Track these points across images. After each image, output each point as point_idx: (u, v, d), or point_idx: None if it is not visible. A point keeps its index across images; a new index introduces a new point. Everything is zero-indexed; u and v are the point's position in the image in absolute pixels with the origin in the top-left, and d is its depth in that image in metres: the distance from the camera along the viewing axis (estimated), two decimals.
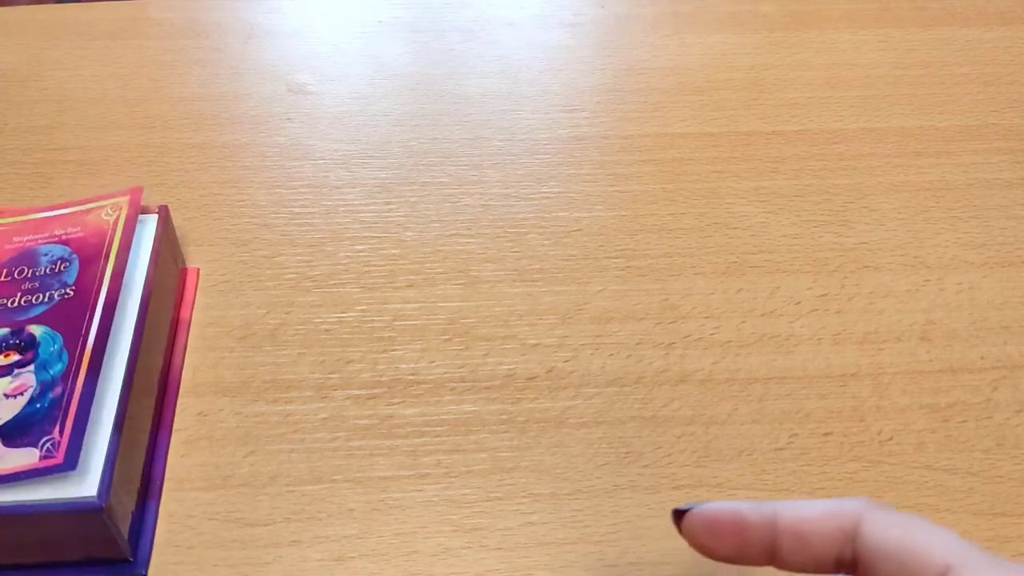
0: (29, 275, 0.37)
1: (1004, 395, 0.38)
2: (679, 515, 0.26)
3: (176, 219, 0.43)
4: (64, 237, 0.39)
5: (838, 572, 0.24)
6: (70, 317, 0.35)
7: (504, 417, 0.37)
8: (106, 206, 0.39)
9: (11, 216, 0.40)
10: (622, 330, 0.40)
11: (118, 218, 0.39)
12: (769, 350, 0.39)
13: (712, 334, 0.40)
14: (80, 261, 0.37)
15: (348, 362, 0.39)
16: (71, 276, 0.37)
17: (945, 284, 0.42)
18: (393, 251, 0.43)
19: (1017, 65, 0.52)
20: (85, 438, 0.31)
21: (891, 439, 0.37)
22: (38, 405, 0.33)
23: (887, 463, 0.36)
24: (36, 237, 0.38)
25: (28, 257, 0.38)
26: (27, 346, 0.34)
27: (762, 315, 0.41)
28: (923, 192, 0.46)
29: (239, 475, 0.35)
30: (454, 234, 0.43)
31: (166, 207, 0.40)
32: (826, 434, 0.37)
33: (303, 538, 0.34)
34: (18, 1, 0.71)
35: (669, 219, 0.44)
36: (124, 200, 0.40)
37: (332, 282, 0.41)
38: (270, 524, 0.34)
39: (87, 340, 0.34)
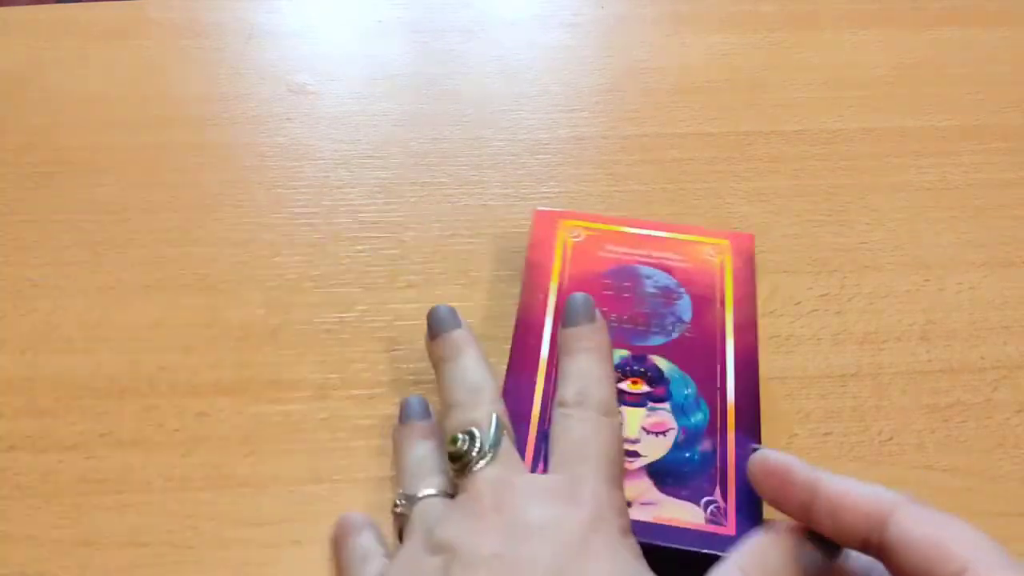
0: (635, 296, 0.34)
1: (1004, 395, 0.38)
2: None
3: (176, 219, 0.43)
4: (666, 263, 0.35)
5: (864, 551, 0.25)
6: (695, 360, 0.32)
7: None
8: (706, 245, 0.36)
9: (585, 220, 0.36)
10: None
11: (723, 263, 0.36)
12: (769, 350, 0.39)
13: None
14: (692, 299, 0.34)
15: (348, 362, 0.39)
16: (685, 313, 0.34)
17: (945, 284, 0.42)
18: (393, 251, 0.43)
19: (1017, 65, 0.52)
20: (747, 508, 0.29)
21: (891, 439, 0.37)
22: (687, 454, 0.30)
23: (887, 463, 0.36)
24: (632, 253, 0.35)
25: (630, 274, 0.35)
26: (655, 379, 0.32)
27: (762, 315, 0.40)
28: (923, 192, 0.46)
29: (239, 475, 0.35)
30: (454, 234, 0.43)
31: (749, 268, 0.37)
32: (826, 434, 0.37)
33: (303, 538, 0.34)
34: (18, 1, 0.71)
35: (669, 219, 0.44)
36: (724, 244, 0.37)
37: (332, 282, 0.41)
38: (270, 524, 0.34)
39: (726, 395, 0.32)
